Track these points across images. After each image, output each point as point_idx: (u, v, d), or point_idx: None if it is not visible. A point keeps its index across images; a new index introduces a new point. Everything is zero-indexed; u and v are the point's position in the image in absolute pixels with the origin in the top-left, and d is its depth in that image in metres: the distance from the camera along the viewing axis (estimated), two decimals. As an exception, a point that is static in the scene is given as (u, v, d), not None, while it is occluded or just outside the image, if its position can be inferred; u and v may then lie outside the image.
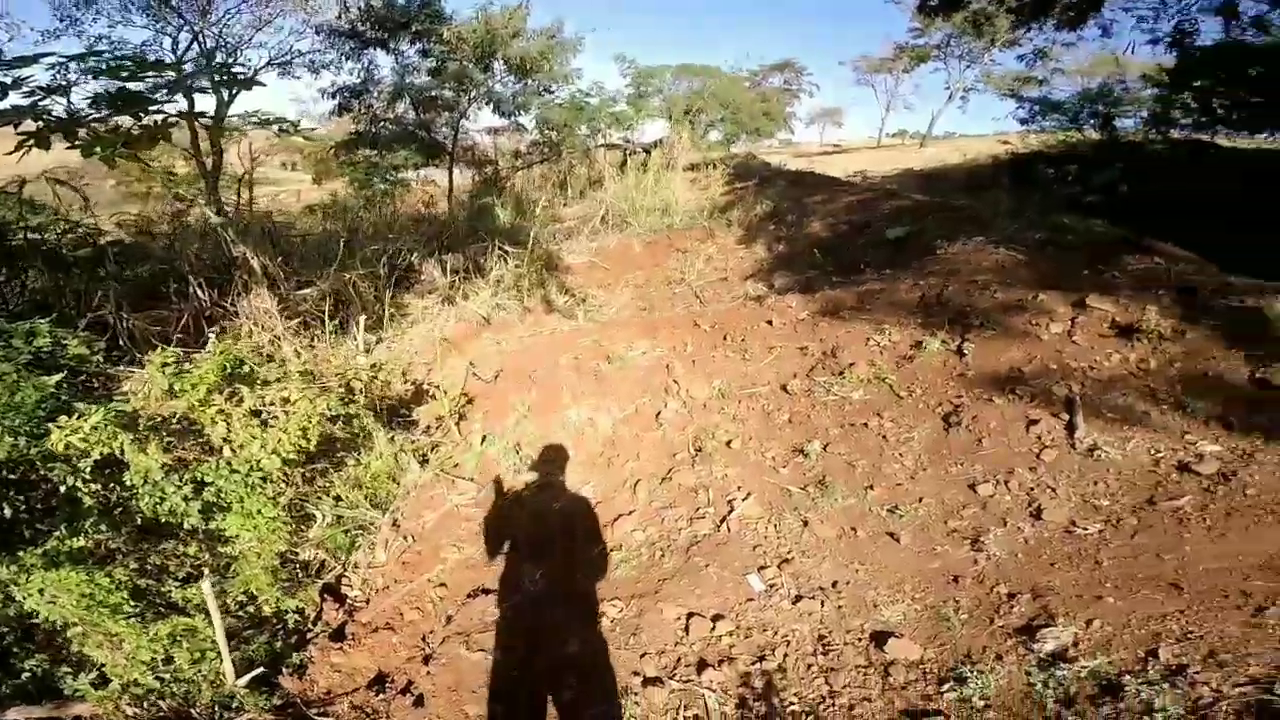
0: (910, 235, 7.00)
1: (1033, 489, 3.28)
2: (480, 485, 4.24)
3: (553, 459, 4.38)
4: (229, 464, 2.75)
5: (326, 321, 5.37)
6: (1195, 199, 7.27)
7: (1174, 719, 1.91)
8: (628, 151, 14.77)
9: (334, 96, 12.18)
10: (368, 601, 3.41)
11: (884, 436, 3.97)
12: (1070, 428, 3.57)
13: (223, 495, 2.72)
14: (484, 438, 4.65)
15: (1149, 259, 4.67)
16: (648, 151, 14.23)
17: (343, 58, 11.72)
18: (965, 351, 4.33)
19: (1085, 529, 2.95)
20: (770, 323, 5.69)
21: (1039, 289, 4.51)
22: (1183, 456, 3.21)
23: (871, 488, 3.57)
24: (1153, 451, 3.31)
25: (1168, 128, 11.97)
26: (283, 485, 3.10)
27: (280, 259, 6.32)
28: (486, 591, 3.33)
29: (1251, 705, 1.88)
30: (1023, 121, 15.44)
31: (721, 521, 3.58)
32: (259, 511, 2.77)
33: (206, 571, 2.71)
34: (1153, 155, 11.38)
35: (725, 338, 5.57)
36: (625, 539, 3.66)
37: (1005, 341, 4.25)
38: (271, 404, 2.91)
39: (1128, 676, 2.10)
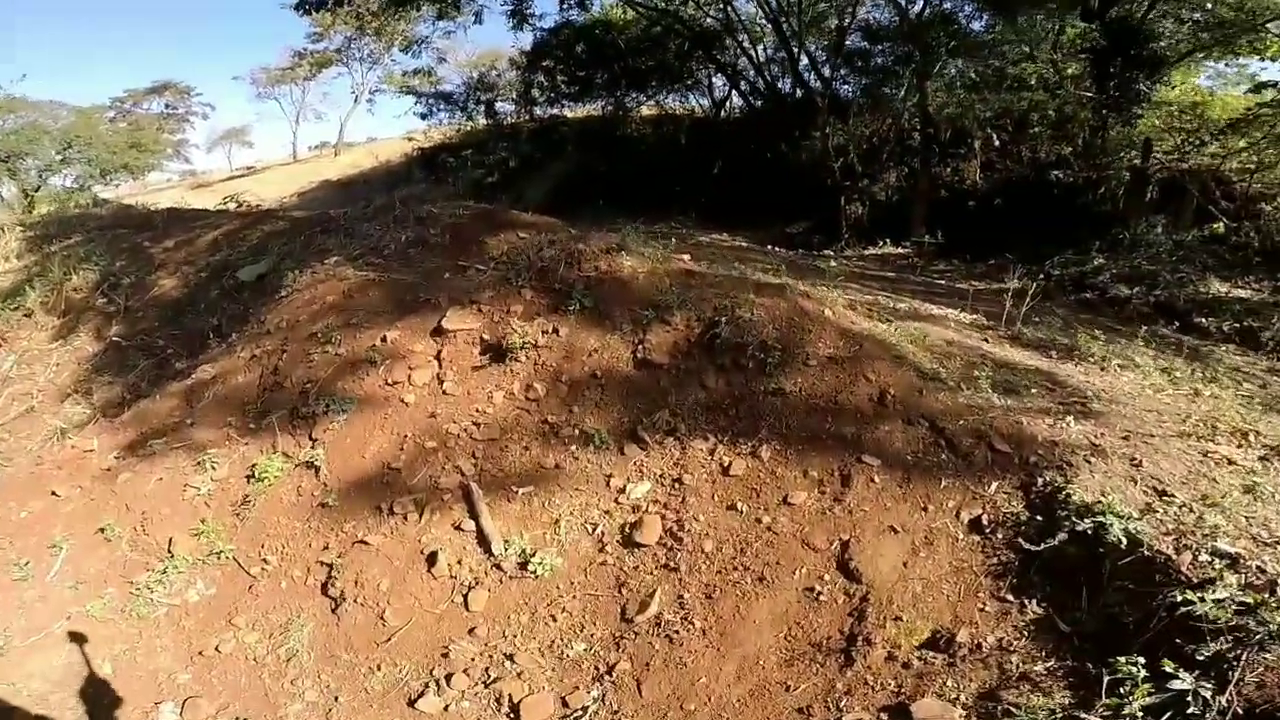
0: (272, 270, 4.95)
1: (488, 672, 2.24)
2: None
3: None
4: None
5: None
6: (554, 164, 7.51)
7: None
8: None
9: None
10: None
11: (256, 660, 2.54)
12: (482, 540, 2.28)
13: None
14: None
15: (513, 235, 3.78)
16: None
17: None
18: (317, 462, 2.64)
19: (584, 707, 2.13)
20: (56, 494, 3.09)
21: (393, 320, 3.09)
22: (621, 520, 2.50)
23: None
24: (588, 526, 2.49)
25: (532, 106, 13.04)
26: None
27: None
28: None
29: None
30: (423, 116, 15.17)
31: None
32: None
33: None
34: (526, 131, 12.23)
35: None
36: None
37: (364, 424, 2.72)
38: None
39: None
